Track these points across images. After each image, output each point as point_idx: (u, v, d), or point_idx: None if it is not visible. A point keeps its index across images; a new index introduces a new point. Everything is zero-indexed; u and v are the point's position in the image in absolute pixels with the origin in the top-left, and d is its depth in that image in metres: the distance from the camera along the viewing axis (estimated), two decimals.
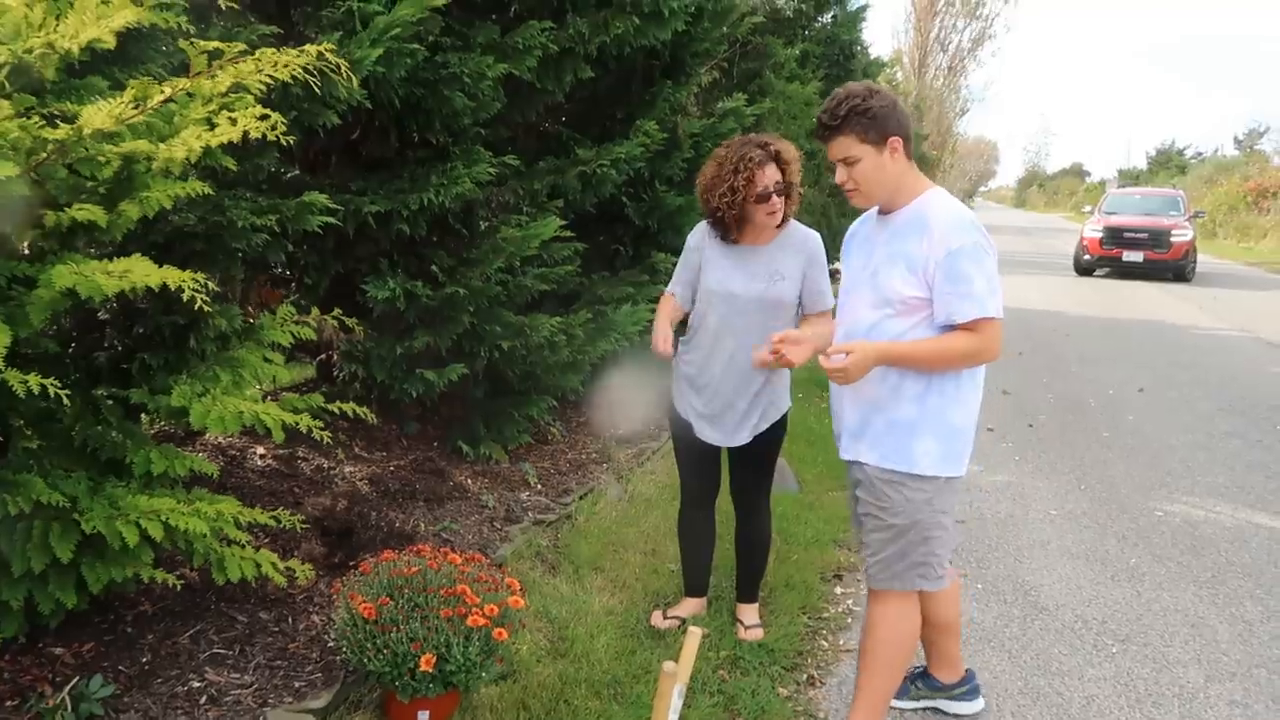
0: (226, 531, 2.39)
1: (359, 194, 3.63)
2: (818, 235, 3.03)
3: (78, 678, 2.23)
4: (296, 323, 2.91)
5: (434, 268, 3.82)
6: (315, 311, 2.97)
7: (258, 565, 2.52)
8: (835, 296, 2.73)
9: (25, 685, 2.22)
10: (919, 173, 2.39)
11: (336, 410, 2.76)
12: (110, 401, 2.54)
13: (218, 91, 2.26)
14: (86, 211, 2.03)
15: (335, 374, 3.99)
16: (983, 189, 72.84)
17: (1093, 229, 17.46)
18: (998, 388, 7.73)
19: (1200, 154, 46.32)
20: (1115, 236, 16.97)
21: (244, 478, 3.38)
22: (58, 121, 1.93)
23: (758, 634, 3.22)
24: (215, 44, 2.04)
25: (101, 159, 2.08)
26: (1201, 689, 3.07)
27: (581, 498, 4.14)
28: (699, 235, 3.06)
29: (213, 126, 2.22)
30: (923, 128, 21.42)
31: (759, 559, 3.28)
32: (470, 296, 3.79)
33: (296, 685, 2.44)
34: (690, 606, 3.31)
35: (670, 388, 3.16)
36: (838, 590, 3.75)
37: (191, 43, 2.02)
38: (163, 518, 2.24)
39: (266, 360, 2.78)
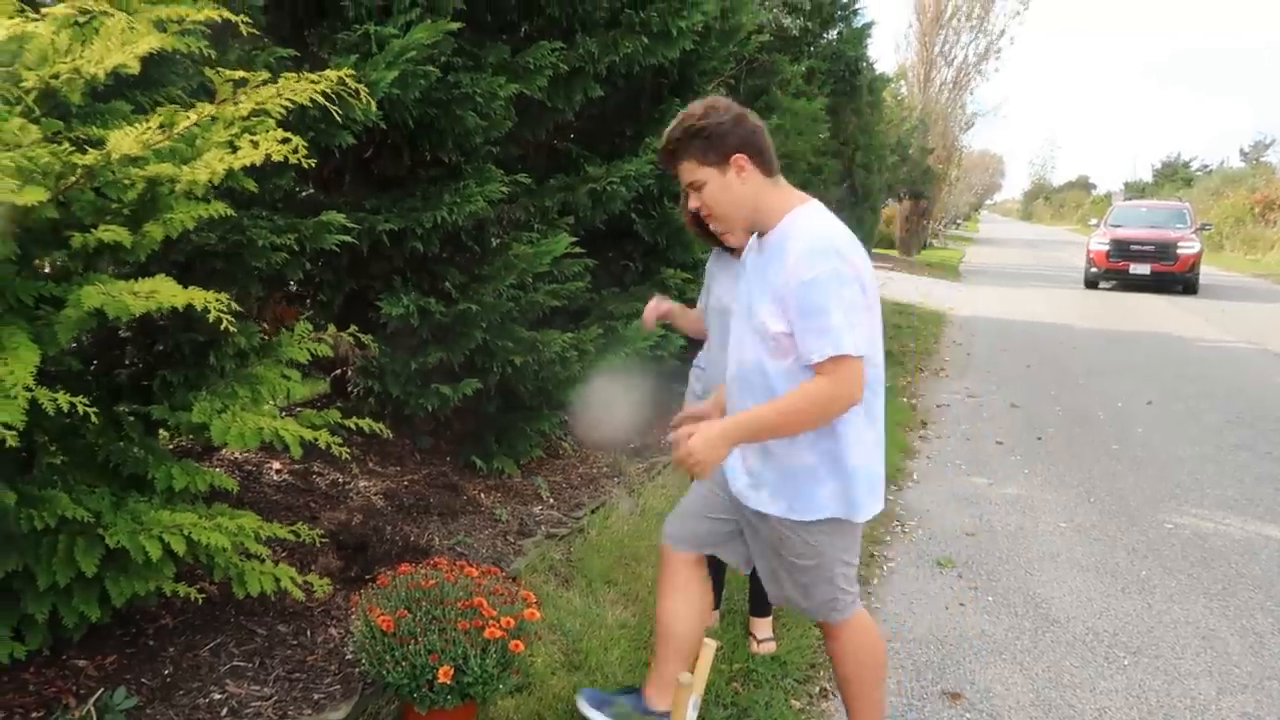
0: (247, 546, 2.43)
1: (373, 212, 3.68)
2: None
3: (101, 690, 2.26)
4: (313, 339, 2.96)
5: (447, 284, 3.86)
6: (331, 328, 3.02)
7: (277, 579, 2.56)
8: None
9: (50, 697, 2.25)
10: (786, 189, 2.13)
11: (352, 426, 2.80)
12: (132, 418, 2.59)
13: (239, 115, 2.31)
14: (112, 233, 2.08)
15: (350, 389, 4.03)
16: (989, 202, 72.99)
17: (1099, 242, 17.48)
18: (1006, 401, 7.74)
19: (1206, 166, 46.39)
20: (1122, 249, 16.99)
21: (261, 492, 3.42)
22: (85, 146, 1.98)
23: (770, 647, 3.24)
24: (241, 73, 2.09)
25: (127, 182, 2.13)
26: (1213, 701, 3.08)
27: (593, 511, 4.17)
28: (713, 251, 3.11)
29: (234, 149, 2.27)
30: (928, 142, 21.49)
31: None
32: (483, 312, 3.83)
33: (315, 697, 2.47)
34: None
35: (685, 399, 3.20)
36: None
37: (218, 71, 2.08)
38: (185, 532, 2.28)
39: (284, 377, 2.82)
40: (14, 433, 1.72)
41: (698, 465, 2.01)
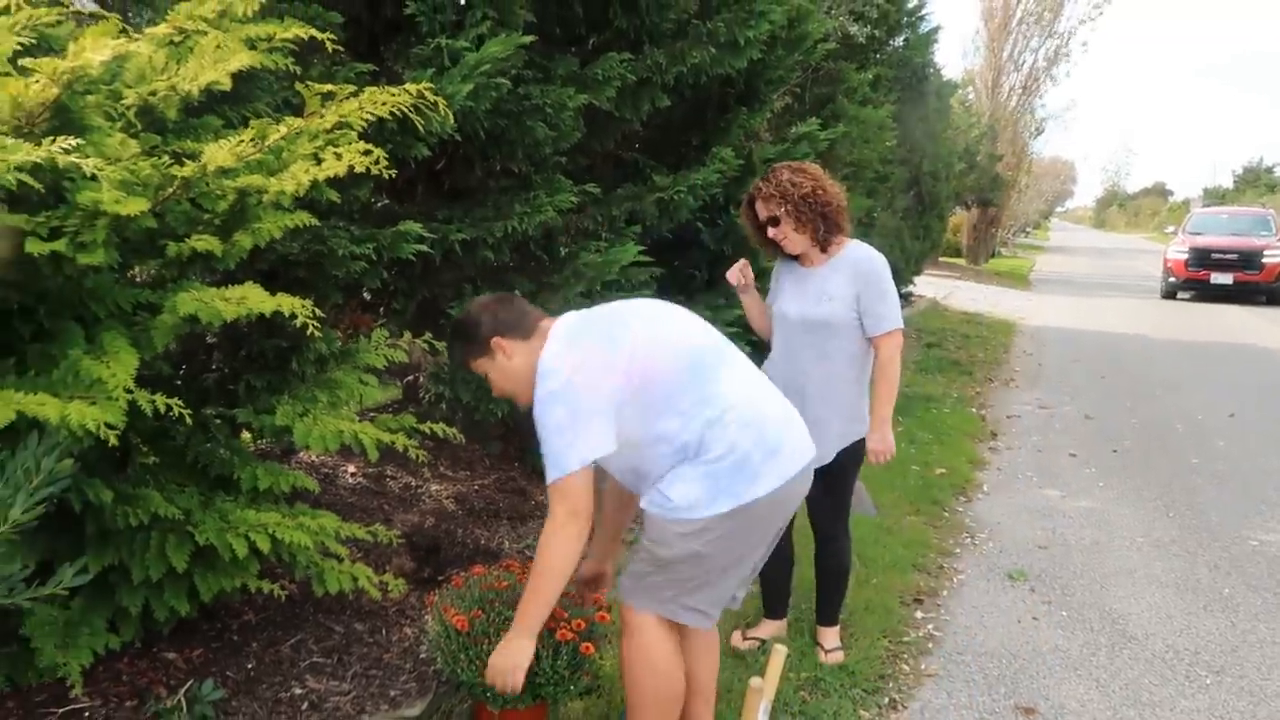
0: (327, 545, 2.50)
1: (445, 222, 3.76)
2: (875, 255, 2.98)
3: (191, 681, 2.36)
4: (389, 346, 3.04)
5: (516, 293, 3.92)
6: (407, 335, 3.09)
7: (354, 579, 2.63)
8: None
9: (142, 686, 2.35)
10: (540, 336, 2.22)
11: (426, 430, 2.87)
12: (218, 420, 2.69)
13: (323, 129, 2.40)
14: (205, 242, 2.17)
15: (421, 395, 4.12)
16: (1060, 209, 71.25)
17: (1177, 250, 16.94)
18: (1079, 413, 7.57)
19: None
20: (1202, 258, 16.44)
21: (337, 495, 3.51)
22: (182, 159, 2.07)
23: (838, 657, 3.22)
24: (329, 87, 2.17)
25: (219, 193, 2.22)
26: None
27: None
28: (779, 259, 3.13)
29: (319, 161, 2.35)
30: (996, 148, 21.10)
31: (839, 584, 3.28)
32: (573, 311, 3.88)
33: (391, 694, 2.53)
34: (770, 628, 3.32)
35: None
36: (918, 615, 3.72)
37: (308, 86, 2.16)
38: (270, 531, 2.36)
39: (362, 382, 2.90)
40: (114, 432, 1.80)
41: (507, 681, 2.12)
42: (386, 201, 4.01)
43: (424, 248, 3.18)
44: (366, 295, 4.21)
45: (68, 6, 2.45)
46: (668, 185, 4.50)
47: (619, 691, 2.76)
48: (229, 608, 2.73)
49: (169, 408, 2.03)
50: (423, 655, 2.72)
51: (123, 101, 2.20)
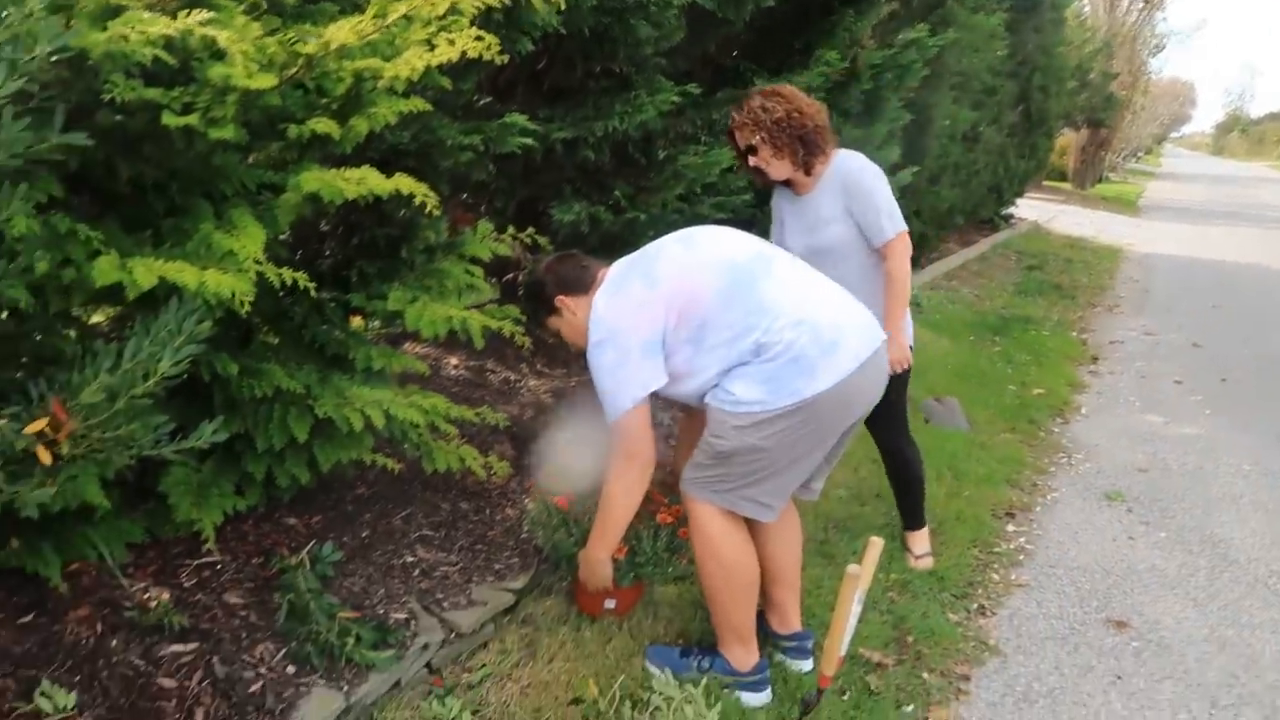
0: (437, 424, 2.60)
1: (546, 121, 3.76)
2: (858, 164, 2.85)
3: (312, 542, 2.50)
4: (495, 240, 3.09)
5: (616, 194, 3.93)
6: (510, 229, 3.14)
7: (461, 459, 2.74)
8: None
9: (267, 547, 2.51)
10: (591, 291, 2.34)
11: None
12: (333, 304, 2.79)
13: (435, 15, 2.41)
14: (323, 124, 2.21)
15: (519, 293, 4.19)
16: (1175, 134, 67.12)
17: None
18: (1187, 340, 7.28)
19: None
20: None
21: (440, 384, 3.63)
22: (306, 39, 2.12)
23: (928, 563, 3.23)
24: None
25: (337, 76, 2.26)
26: None
27: None
28: (776, 191, 3.07)
29: (432, 48, 2.38)
30: (1111, 67, 19.90)
31: (911, 490, 3.27)
32: (650, 222, 3.88)
33: (496, 567, 2.65)
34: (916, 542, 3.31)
35: None
36: (1009, 528, 3.71)
37: None
38: (384, 407, 2.46)
39: (467, 273, 2.97)
40: (247, 300, 1.89)
41: (592, 584, 2.41)
42: (489, 99, 4.03)
43: (529, 141, 3.19)
44: (466, 198, 4.27)
45: None
46: None
47: None
48: (343, 480, 2.87)
49: (293, 283, 2.11)
50: (524, 535, 2.83)
51: None
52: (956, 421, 4.71)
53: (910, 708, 2.50)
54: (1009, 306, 7.96)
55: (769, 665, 2.45)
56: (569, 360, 4.14)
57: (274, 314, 2.69)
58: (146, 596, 2.17)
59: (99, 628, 2.05)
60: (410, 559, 2.60)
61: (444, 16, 2.44)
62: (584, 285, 2.37)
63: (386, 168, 2.88)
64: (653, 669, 2.40)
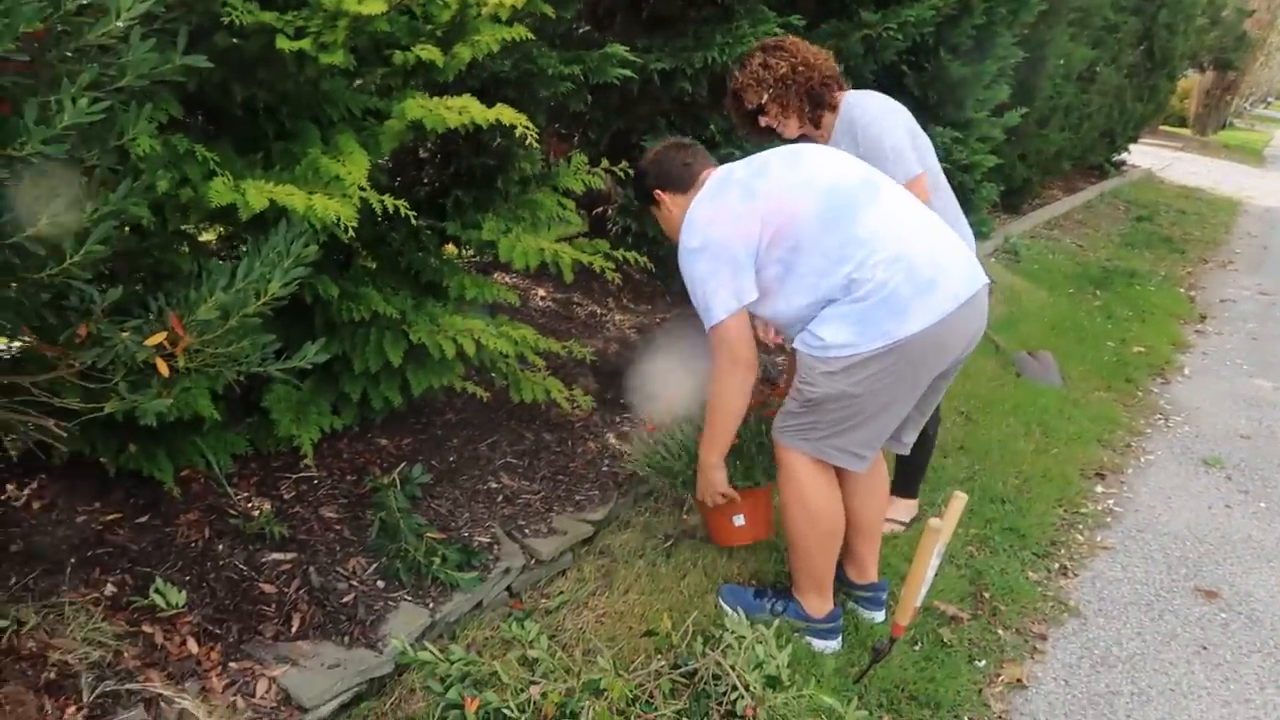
0: (525, 355, 2.64)
1: (645, 51, 3.71)
2: (861, 101, 2.64)
3: (403, 464, 2.60)
4: (588, 172, 3.08)
5: (711, 128, 3.87)
6: (604, 162, 3.12)
7: (547, 390, 2.78)
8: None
9: (360, 465, 2.61)
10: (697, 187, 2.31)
11: (620, 257, 2.94)
12: (429, 231, 2.83)
13: None
14: (428, 51, 2.23)
15: (609, 228, 4.19)
16: None
17: None
18: None
19: None
20: None
21: (529, 315, 3.68)
22: None
23: (896, 528, 3.00)
24: None
25: (444, 1, 2.26)
26: None
27: None
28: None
29: None
30: (1248, 3, 18.53)
31: (918, 451, 2.77)
32: (745, 157, 3.82)
33: (576, 499, 2.72)
34: (902, 508, 3.08)
35: None
36: (1098, 489, 3.62)
37: None
38: (475, 336, 2.51)
39: (560, 205, 2.98)
40: (352, 225, 1.94)
41: (709, 494, 2.41)
42: (588, 28, 3.99)
43: (628, 72, 3.16)
44: (560, 128, 4.26)
45: None
46: (875, 22, 4.23)
47: None
48: (433, 405, 2.95)
49: (395, 209, 2.15)
50: (605, 468, 2.88)
51: None
52: (1050, 377, 4.58)
53: (983, 663, 2.49)
54: (1114, 259, 7.63)
55: (842, 614, 2.46)
56: (654, 296, 4.15)
57: (372, 239, 2.75)
58: (250, 506, 2.29)
59: (207, 533, 2.18)
60: (494, 485, 2.68)
61: None
62: (684, 184, 2.35)
63: (486, 96, 2.89)
64: (726, 607, 2.44)
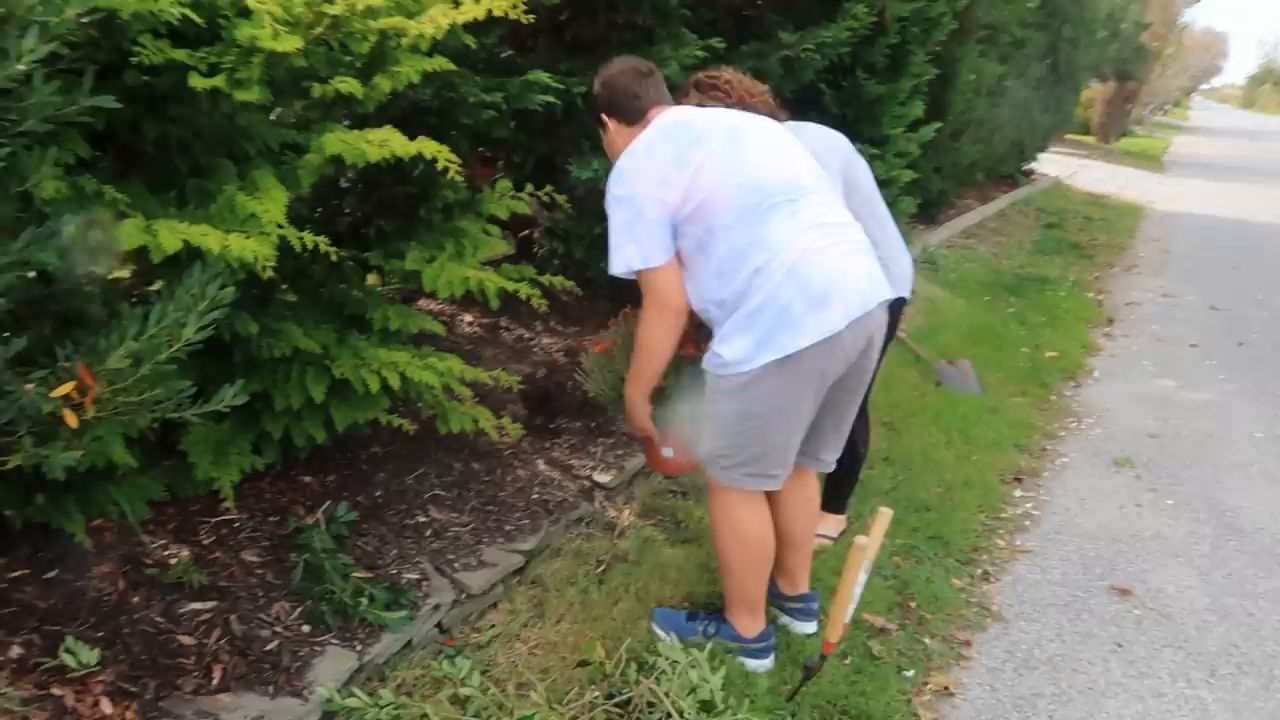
0: (452, 386, 2.62)
1: (568, 75, 3.72)
2: (799, 129, 2.66)
3: (328, 503, 2.55)
4: (513, 197, 3.08)
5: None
6: (529, 187, 3.12)
7: (475, 420, 2.77)
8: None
9: (283, 506, 2.56)
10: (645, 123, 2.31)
11: (547, 283, 2.94)
12: (350, 263, 2.80)
13: None
14: (347, 84, 2.20)
15: (535, 250, 4.19)
16: (1205, 86, 65.36)
17: None
18: (1205, 303, 7.23)
19: None
20: None
21: (454, 342, 3.65)
22: None
23: (824, 542, 3.02)
24: None
25: (361, 35, 2.25)
26: None
27: None
28: None
29: (457, 4, 2.35)
30: (1144, 16, 19.39)
31: (848, 469, 2.92)
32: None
33: (507, 529, 2.70)
34: (830, 523, 3.11)
35: None
36: (1017, 493, 3.74)
37: None
38: (400, 369, 2.49)
39: (485, 232, 2.97)
40: (270, 265, 1.91)
41: (633, 425, 2.46)
42: (510, 53, 3.98)
43: (551, 99, 3.17)
44: (484, 152, 4.24)
45: None
46: (794, 43, 4.32)
47: None
48: (358, 439, 2.91)
49: (315, 245, 2.12)
50: (535, 496, 2.88)
51: None
52: (969, 385, 4.71)
53: (911, 673, 2.55)
54: (1026, 266, 7.90)
55: (774, 630, 2.50)
56: (583, 318, 4.15)
57: (293, 272, 2.69)
58: (167, 554, 2.22)
59: (121, 585, 2.11)
60: (423, 519, 2.65)
61: None
62: (630, 115, 2.36)
63: (407, 125, 2.87)
64: (659, 632, 2.46)
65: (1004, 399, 4.69)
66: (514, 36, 4.11)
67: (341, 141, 2.12)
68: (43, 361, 1.69)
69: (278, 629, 2.14)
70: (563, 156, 3.96)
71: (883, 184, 5.02)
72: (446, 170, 2.31)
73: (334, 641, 2.15)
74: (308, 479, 2.71)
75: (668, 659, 2.17)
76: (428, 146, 2.13)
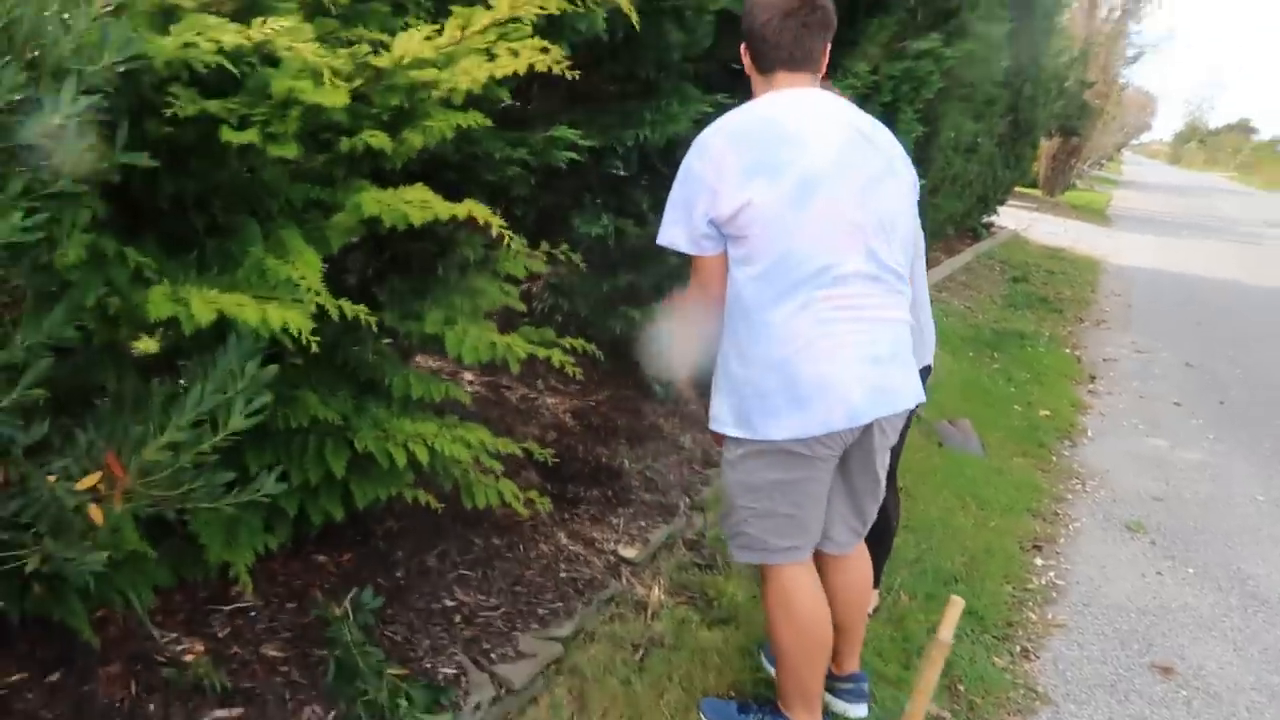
0: (481, 459, 2.44)
1: (572, 128, 3.60)
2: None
3: (355, 589, 2.33)
4: (529, 255, 2.93)
5: (644, 206, 3.78)
6: (544, 245, 2.98)
7: (500, 494, 2.58)
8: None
9: (299, 590, 2.34)
10: (769, 82, 2.09)
11: (568, 346, 2.78)
12: (365, 324, 2.61)
13: (496, 21, 2.25)
14: (377, 138, 2.05)
15: (534, 305, 4.03)
16: (1134, 142, 67.96)
17: None
18: (1178, 359, 7.31)
19: None
20: None
21: (456, 403, 3.46)
22: (379, 48, 1.95)
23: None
24: None
25: (397, 87, 2.09)
26: None
27: None
28: None
29: (492, 58, 2.21)
30: (1088, 75, 20.04)
31: (883, 543, 2.81)
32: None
33: (539, 612, 2.51)
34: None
35: None
36: (1038, 561, 3.63)
37: None
38: (428, 441, 2.30)
39: (503, 291, 2.81)
40: (316, 339, 1.73)
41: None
42: (517, 104, 3.86)
43: (575, 155, 3.04)
44: (497, 209, 4.09)
45: None
46: None
47: (757, 622, 2.72)
48: (372, 514, 2.69)
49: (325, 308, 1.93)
50: (562, 574, 2.69)
51: None
52: (971, 445, 4.64)
53: None
54: (1000, 320, 7.93)
55: None
56: (586, 376, 3.99)
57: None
58: (181, 649, 1.99)
59: (134, 688, 1.88)
60: (450, 603, 2.45)
61: (504, 24, 2.28)
62: (765, 63, 2.09)
63: (426, 181, 2.71)
64: None
65: (1006, 460, 4.62)
66: (516, 90, 3.99)
67: (378, 202, 1.96)
68: (62, 446, 1.49)
69: None
70: (563, 208, 3.83)
71: None
72: (476, 225, 2.16)
73: None
74: (322, 558, 2.50)
75: None
76: (479, 210, 1.98)
